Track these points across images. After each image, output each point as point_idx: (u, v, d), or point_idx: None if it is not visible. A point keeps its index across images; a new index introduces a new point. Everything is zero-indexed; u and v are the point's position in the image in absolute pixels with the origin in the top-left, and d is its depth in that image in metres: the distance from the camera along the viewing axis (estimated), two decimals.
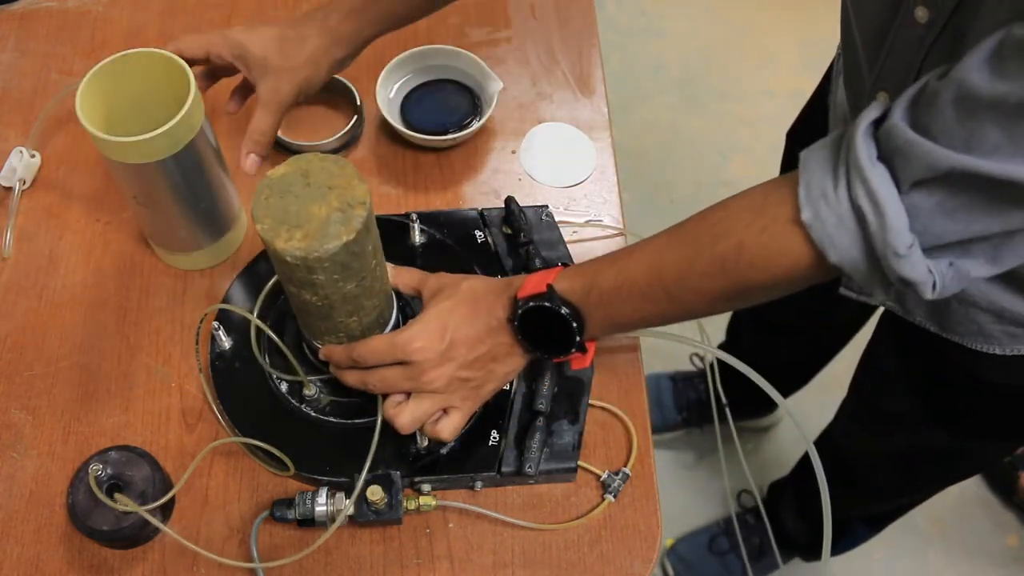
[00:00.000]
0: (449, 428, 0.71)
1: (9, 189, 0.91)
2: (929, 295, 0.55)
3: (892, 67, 0.65)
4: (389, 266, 0.72)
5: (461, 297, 0.70)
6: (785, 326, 1.32)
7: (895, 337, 0.94)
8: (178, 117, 0.70)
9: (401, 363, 0.68)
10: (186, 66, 0.73)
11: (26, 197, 0.91)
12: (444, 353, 0.68)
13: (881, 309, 0.96)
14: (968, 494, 1.65)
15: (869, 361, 1.06)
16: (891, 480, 1.10)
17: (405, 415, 0.69)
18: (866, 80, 0.68)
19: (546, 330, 0.68)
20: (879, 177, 0.53)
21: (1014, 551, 1.61)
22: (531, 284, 0.69)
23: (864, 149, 0.53)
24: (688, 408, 1.63)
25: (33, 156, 0.91)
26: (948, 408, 0.89)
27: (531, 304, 0.67)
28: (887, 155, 0.53)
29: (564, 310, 0.67)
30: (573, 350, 0.70)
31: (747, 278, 0.60)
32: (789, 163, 1.12)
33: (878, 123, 0.55)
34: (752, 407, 1.61)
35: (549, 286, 0.67)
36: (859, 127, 0.54)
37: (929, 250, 0.54)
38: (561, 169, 0.93)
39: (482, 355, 0.69)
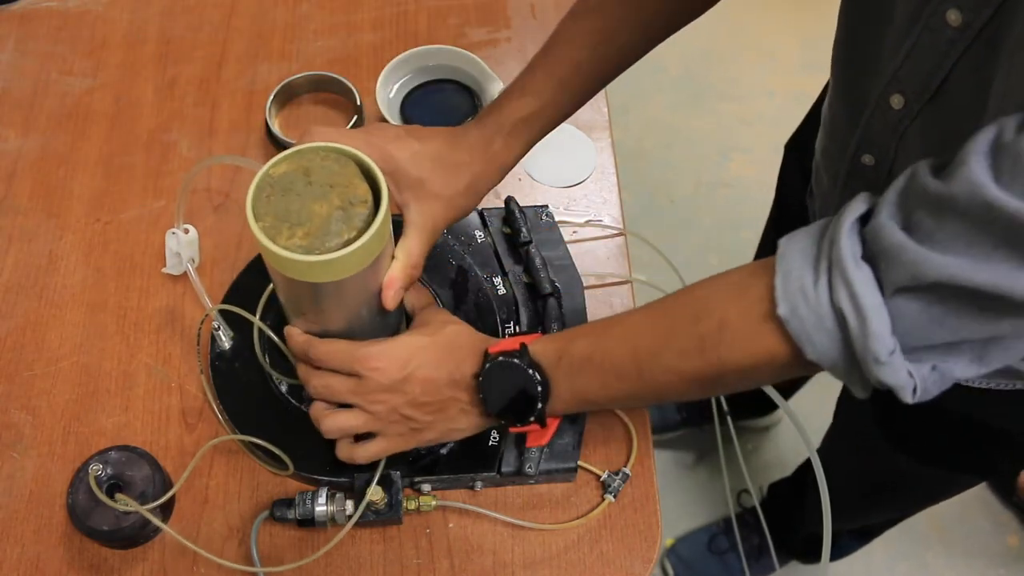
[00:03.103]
0: (367, 453, 0.68)
1: (183, 275, 0.84)
2: (909, 400, 0.52)
3: (912, 70, 0.62)
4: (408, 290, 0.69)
5: (439, 339, 0.68)
6: None
7: None
8: (376, 225, 0.59)
9: (353, 375, 0.66)
10: (372, 164, 0.62)
11: (27, 196, 0.91)
12: (398, 384, 0.65)
13: None
14: (968, 494, 1.64)
15: (846, 389, 1.06)
16: (869, 500, 1.11)
17: (334, 421, 0.68)
18: (875, 86, 0.67)
19: (509, 393, 0.65)
20: (863, 280, 0.50)
21: (1014, 551, 1.61)
22: (506, 342, 0.67)
23: (848, 248, 0.51)
24: (688, 408, 1.63)
25: (187, 231, 0.83)
26: (908, 435, 0.89)
27: (500, 359, 0.65)
28: (872, 255, 0.51)
29: (531, 371, 0.64)
30: (532, 419, 0.66)
31: (724, 360, 0.57)
32: (786, 176, 1.11)
33: (865, 218, 0.52)
34: (752, 407, 1.61)
35: (522, 345, 0.65)
36: (844, 222, 0.51)
37: (911, 352, 0.51)
38: (561, 169, 0.93)
39: (433, 402, 0.67)
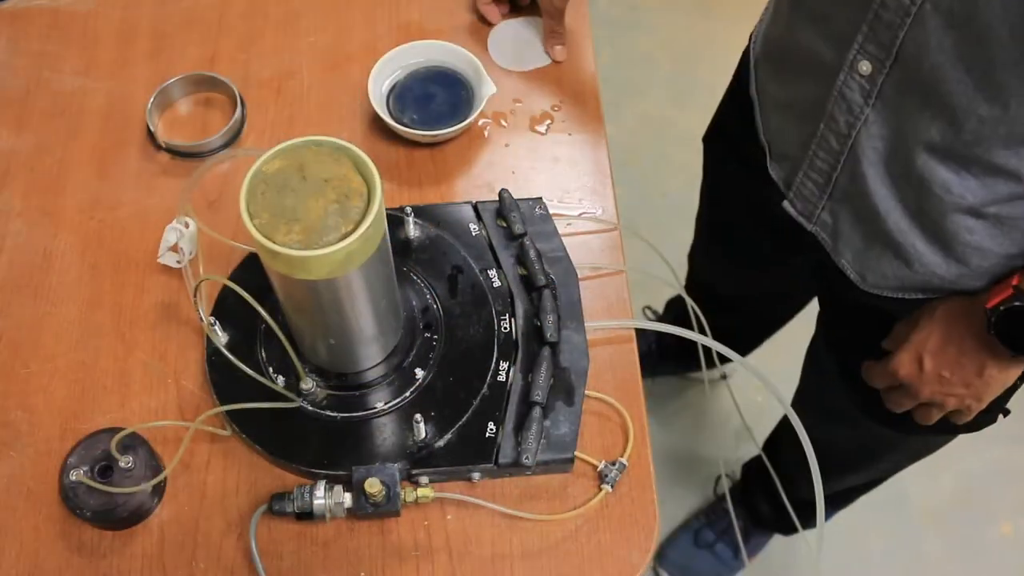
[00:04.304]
0: (962, 419, 0.79)
1: (178, 271, 0.84)
2: None
3: None
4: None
5: (934, 323, 0.75)
6: (729, 298, 1.33)
7: (827, 331, 0.97)
8: (372, 216, 0.59)
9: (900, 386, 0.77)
10: (365, 157, 0.62)
11: (21, 195, 0.91)
12: (927, 375, 0.74)
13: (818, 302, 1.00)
14: (962, 481, 1.66)
15: (811, 359, 1.09)
16: (841, 468, 1.12)
17: (925, 418, 0.79)
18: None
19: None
20: None
21: (1008, 539, 1.62)
22: (994, 294, 0.70)
23: None
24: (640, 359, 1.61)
25: (188, 226, 0.83)
26: (879, 403, 0.91)
27: (1002, 308, 0.68)
28: None
29: None
30: None
31: None
32: (710, 171, 1.12)
33: None
34: (693, 360, 1.59)
35: (1014, 287, 0.68)
36: None
37: None
38: (523, 54, 1.00)
39: (965, 374, 0.73)
